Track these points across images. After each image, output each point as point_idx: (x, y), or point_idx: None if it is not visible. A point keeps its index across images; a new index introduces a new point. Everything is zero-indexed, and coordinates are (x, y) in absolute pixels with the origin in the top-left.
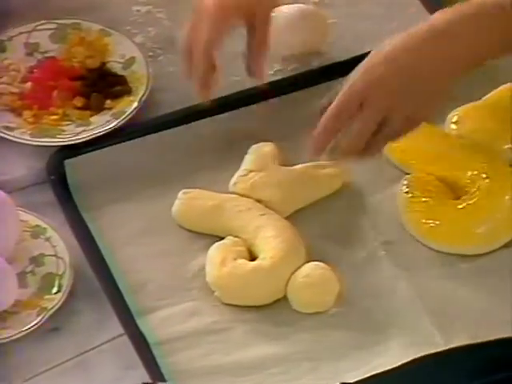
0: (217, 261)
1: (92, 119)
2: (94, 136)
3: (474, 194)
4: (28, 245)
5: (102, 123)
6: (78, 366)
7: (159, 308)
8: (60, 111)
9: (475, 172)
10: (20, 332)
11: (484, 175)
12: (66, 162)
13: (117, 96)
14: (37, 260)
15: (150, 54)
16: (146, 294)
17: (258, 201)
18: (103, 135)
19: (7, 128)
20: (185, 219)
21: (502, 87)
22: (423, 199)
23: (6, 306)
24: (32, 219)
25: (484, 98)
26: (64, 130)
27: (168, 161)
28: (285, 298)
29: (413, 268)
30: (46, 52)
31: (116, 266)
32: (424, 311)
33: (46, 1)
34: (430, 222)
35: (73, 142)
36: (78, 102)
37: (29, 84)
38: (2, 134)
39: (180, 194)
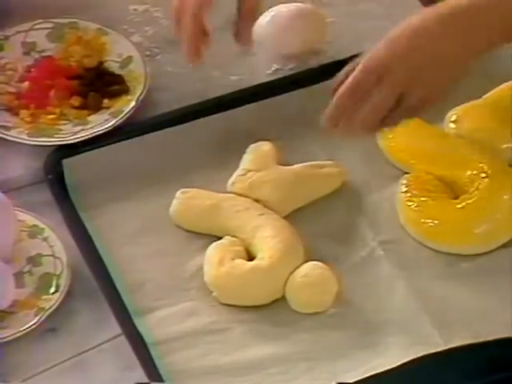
0: (215, 261)
1: (89, 118)
2: (91, 135)
3: (473, 193)
4: (25, 245)
5: (99, 122)
6: (75, 366)
7: (157, 308)
8: (57, 110)
9: (474, 171)
10: (17, 332)
11: (483, 174)
12: (64, 161)
13: (114, 95)
14: (34, 260)
15: (148, 53)
16: (143, 294)
17: (256, 200)
18: (101, 134)
19: (4, 127)
20: (183, 219)
21: (501, 86)
22: (422, 199)
23: (4, 307)
24: (29, 219)
25: (483, 97)
26: (61, 130)
27: (166, 160)
28: (283, 298)
29: (412, 268)
30: (43, 51)
31: (113, 266)
32: (423, 311)
33: (43, 0)
34: (429, 221)
35: (70, 142)
36: (76, 101)
37: (26, 83)
38: None
39: (178, 194)
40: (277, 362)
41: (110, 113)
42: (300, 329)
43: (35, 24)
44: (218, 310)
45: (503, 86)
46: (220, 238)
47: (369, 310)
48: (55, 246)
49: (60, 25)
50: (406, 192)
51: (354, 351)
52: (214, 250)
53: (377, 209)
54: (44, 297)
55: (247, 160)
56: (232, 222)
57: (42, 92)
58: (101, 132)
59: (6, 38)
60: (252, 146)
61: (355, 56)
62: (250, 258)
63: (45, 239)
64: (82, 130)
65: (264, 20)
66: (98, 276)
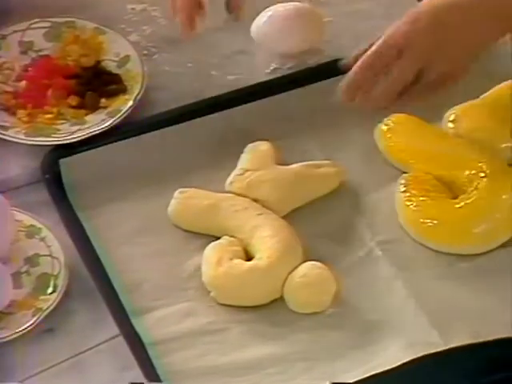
0: (213, 261)
1: (87, 118)
2: (88, 135)
3: (472, 193)
4: (23, 245)
5: (96, 122)
6: (73, 366)
7: (155, 308)
8: (55, 110)
9: (473, 171)
10: (15, 333)
11: (482, 174)
12: (61, 161)
13: (112, 95)
14: (32, 260)
15: (145, 52)
16: (141, 294)
17: (255, 200)
18: (98, 134)
19: (1, 127)
20: (181, 219)
21: (499, 85)
22: (421, 198)
23: (1, 307)
24: (27, 219)
25: (482, 97)
26: (59, 129)
27: (163, 160)
28: (281, 298)
29: (410, 268)
30: (40, 50)
31: (111, 266)
32: (422, 311)
33: None
34: (428, 221)
35: (67, 141)
36: (73, 100)
37: (23, 83)
38: None
39: (176, 194)
40: (275, 362)
41: (108, 112)
42: (298, 329)
43: (32, 23)
44: (215, 310)
45: (502, 85)
46: (218, 238)
47: (367, 310)
48: (53, 246)
49: (57, 24)
50: (404, 192)
51: (353, 351)
52: (212, 250)
53: (375, 209)
54: (42, 297)
55: (245, 159)
56: (230, 221)
57: (39, 91)
58: (98, 132)
59: (3, 37)
60: (250, 145)
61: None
62: (249, 257)
63: (42, 239)
64: (80, 129)
65: (262, 19)
66: (95, 276)
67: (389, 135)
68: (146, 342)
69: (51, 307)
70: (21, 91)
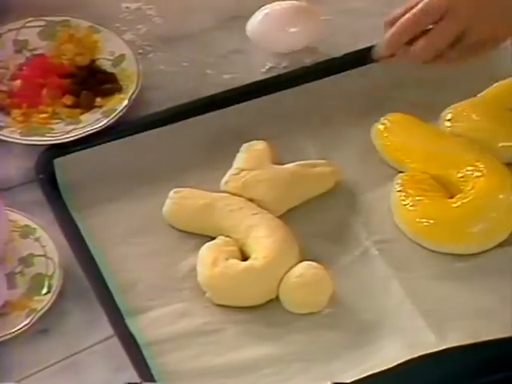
0: (208, 261)
1: (82, 117)
2: (83, 134)
3: (468, 192)
4: (17, 245)
5: (91, 121)
6: (68, 367)
7: (149, 309)
8: (49, 109)
9: (470, 170)
10: (9, 334)
11: (479, 173)
12: (55, 161)
13: (107, 94)
14: (26, 260)
15: (140, 51)
16: (136, 294)
17: (250, 200)
18: (93, 134)
19: None
20: (176, 219)
21: (496, 84)
22: (417, 198)
23: None
24: (21, 219)
25: (478, 96)
26: (53, 129)
27: (158, 159)
28: (277, 299)
29: (407, 267)
30: (34, 49)
31: (106, 266)
32: (418, 311)
33: None
34: (424, 221)
35: (62, 141)
36: (68, 100)
37: (18, 82)
38: None
39: (171, 194)
40: (271, 362)
41: (103, 112)
42: (294, 329)
43: (27, 22)
44: (211, 310)
45: (499, 84)
46: (213, 238)
47: (364, 310)
48: (47, 246)
49: (52, 23)
50: (400, 191)
51: (349, 352)
52: (207, 250)
53: (371, 208)
54: (36, 298)
55: (241, 159)
56: (225, 221)
57: (34, 91)
58: (93, 131)
59: None
60: (246, 144)
61: (349, 53)
62: (244, 258)
63: (37, 239)
64: (74, 129)
65: (258, 18)
66: (89, 276)
67: (385, 134)
68: (140, 342)
69: (46, 308)
70: (15, 90)
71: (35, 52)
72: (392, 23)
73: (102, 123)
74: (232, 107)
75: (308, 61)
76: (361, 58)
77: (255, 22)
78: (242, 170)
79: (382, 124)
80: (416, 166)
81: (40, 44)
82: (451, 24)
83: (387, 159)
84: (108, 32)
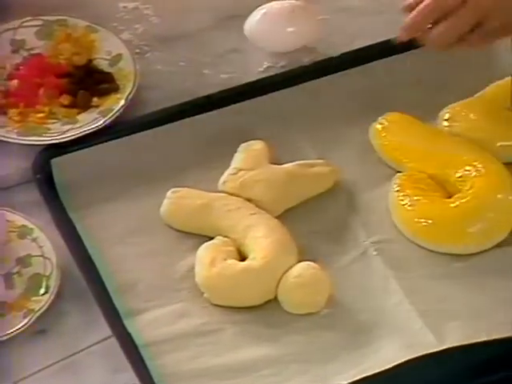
0: (206, 261)
1: (79, 117)
2: (80, 134)
3: (467, 192)
4: (14, 245)
5: (88, 121)
6: (66, 368)
7: (147, 309)
8: (46, 109)
9: (468, 170)
10: (6, 334)
11: (477, 173)
12: (53, 161)
13: (104, 93)
14: (23, 261)
15: (137, 50)
16: (133, 295)
17: (248, 200)
18: (90, 134)
19: None
20: (173, 219)
21: (494, 84)
22: (415, 198)
23: None
24: (18, 219)
25: (476, 95)
26: (50, 129)
27: (156, 159)
28: (276, 299)
29: (405, 268)
30: (31, 49)
31: (103, 267)
32: (416, 311)
33: None
34: (423, 220)
35: (59, 141)
36: (65, 99)
37: (15, 81)
38: None
39: (169, 193)
40: (269, 363)
41: (100, 111)
42: (293, 330)
43: (24, 21)
44: (209, 311)
45: (497, 83)
46: (211, 238)
47: (362, 310)
48: (44, 246)
49: (49, 22)
50: (398, 191)
51: (348, 352)
52: (205, 250)
53: (369, 208)
54: (34, 298)
55: (239, 159)
56: (223, 221)
57: (31, 90)
58: (90, 131)
59: None
60: (243, 144)
61: (347, 53)
62: (242, 258)
63: (34, 240)
64: (71, 128)
65: (255, 17)
66: (87, 277)
67: (383, 134)
68: (138, 343)
69: (43, 308)
70: (12, 90)
71: (32, 51)
72: (411, 8)
73: (99, 123)
74: (229, 107)
75: (306, 60)
76: (359, 57)
77: (253, 22)
78: (240, 169)
79: (380, 124)
80: (414, 165)
81: (37, 43)
82: (471, 10)
83: (385, 159)
84: (105, 31)
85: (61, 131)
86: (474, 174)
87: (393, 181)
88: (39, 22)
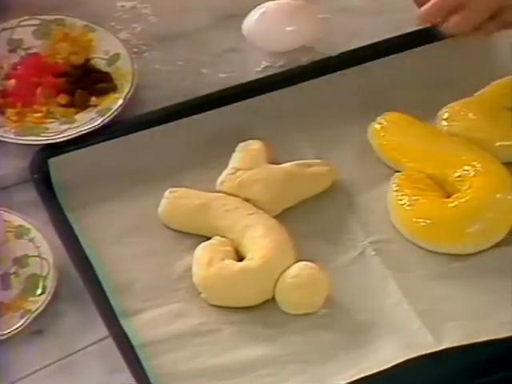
0: (204, 261)
1: (76, 117)
2: (78, 134)
3: (465, 192)
4: (11, 245)
5: (86, 121)
6: (62, 368)
7: (144, 309)
8: (44, 109)
9: (467, 170)
10: (3, 335)
11: (476, 173)
12: (50, 160)
13: (102, 93)
14: (20, 261)
15: (135, 50)
16: (130, 295)
17: (246, 200)
18: (88, 133)
19: None
20: (171, 219)
21: (493, 83)
22: (414, 198)
23: None
24: (15, 219)
25: (475, 95)
26: (48, 128)
27: (154, 159)
28: (273, 299)
29: (403, 268)
30: (29, 48)
31: (100, 267)
32: (415, 311)
33: None
34: (421, 220)
35: (57, 141)
36: (63, 99)
37: (12, 81)
38: None
39: (167, 193)
40: (267, 363)
41: (97, 111)
42: (290, 330)
43: (21, 21)
44: (206, 311)
45: (496, 83)
46: (209, 238)
47: (360, 310)
48: (41, 246)
49: (46, 21)
50: (397, 191)
51: (346, 352)
52: (202, 250)
53: (368, 208)
54: (30, 298)
55: (237, 159)
56: (221, 221)
57: (28, 90)
58: (87, 131)
59: None
60: (241, 144)
61: (346, 52)
62: (240, 258)
63: (31, 240)
64: (69, 128)
65: (254, 16)
66: (84, 277)
67: (382, 134)
68: (135, 343)
69: (40, 309)
70: (10, 90)
71: (30, 51)
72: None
73: (97, 122)
74: (228, 106)
75: (304, 60)
76: (358, 57)
77: (251, 21)
78: (238, 169)
79: (379, 123)
80: (413, 165)
81: (34, 43)
82: (487, 2)
83: (384, 159)
84: (103, 31)
85: (58, 131)
86: (473, 173)
87: (391, 180)
88: (37, 22)
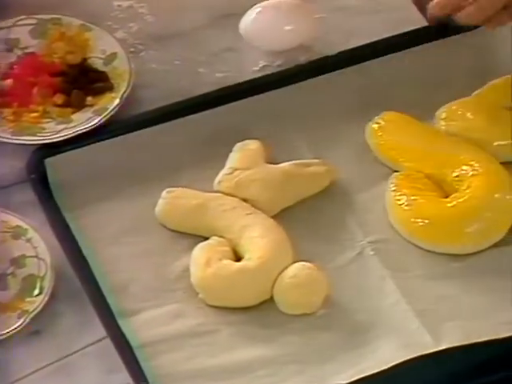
0: (201, 261)
1: (73, 116)
2: (74, 134)
3: (463, 192)
4: (9, 246)
5: (83, 120)
6: (60, 369)
7: (142, 310)
8: (40, 108)
9: (465, 170)
10: (1, 335)
11: (474, 173)
12: (46, 160)
13: (98, 92)
14: (18, 261)
15: (132, 49)
16: (128, 295)
17: (244, 200)
18: (84, 133)
19: None
20: (168, 219)
21: (491, 83)
22: (412, 197)
23: None
24: (12, 219)
25: (473, 94)
26: (44, 128)
27: (151, 159)
28: (271, 300)
29: (402, 268)
30: (26, 48)
31: (98, 267)
32: (413, 311)
33: None
34: (419, 220)
35: (53, 140)
36: (59, 99)
37: (9, 81)
38: None
39: (164, 193)
40: (265, 364)
41: (94, 110)
42: (289, 331)
43: (18, 20)
44: (204, 311)
45: (494, 82)
46: (206, 239)
47: (358, 310)
48: (39, 246)
49: (43, 21)
50: (395, 191)
51: (344, 353)
52: (200, 250)
53: (366, 208)
54: (28, 299)
55: (234, 158)
56: (219, 221)
57: (24, 89)
58: (84, 130)
59: None
60: (239, 144)
61: (343, 51)
62: (237, 258)
63: (28, 240)
64: (66, 128)
65: (251, 16)
66: (82, 277)
67: (380, 133)
68: (133, 344)
69: (38, 309)
70: (6, 89)
71: (26, 50)
72: None
73: (94, 122)
74: (225, 106)
75: (302, 59)
76: (356, 56)
77: (248, 20)
78: (236, 169)
79: (377, 123)
80: (411, 165)
81: (31, 42)
82: None
83: (382, 158)
84: (99, 30)
85: (55, 131)
86: (471, 173)
87: (389, 180)
88: (33, 21)
